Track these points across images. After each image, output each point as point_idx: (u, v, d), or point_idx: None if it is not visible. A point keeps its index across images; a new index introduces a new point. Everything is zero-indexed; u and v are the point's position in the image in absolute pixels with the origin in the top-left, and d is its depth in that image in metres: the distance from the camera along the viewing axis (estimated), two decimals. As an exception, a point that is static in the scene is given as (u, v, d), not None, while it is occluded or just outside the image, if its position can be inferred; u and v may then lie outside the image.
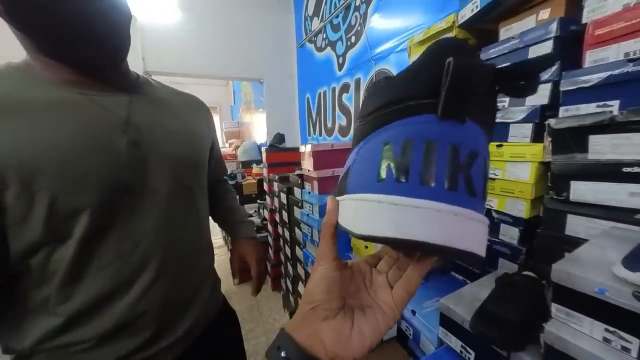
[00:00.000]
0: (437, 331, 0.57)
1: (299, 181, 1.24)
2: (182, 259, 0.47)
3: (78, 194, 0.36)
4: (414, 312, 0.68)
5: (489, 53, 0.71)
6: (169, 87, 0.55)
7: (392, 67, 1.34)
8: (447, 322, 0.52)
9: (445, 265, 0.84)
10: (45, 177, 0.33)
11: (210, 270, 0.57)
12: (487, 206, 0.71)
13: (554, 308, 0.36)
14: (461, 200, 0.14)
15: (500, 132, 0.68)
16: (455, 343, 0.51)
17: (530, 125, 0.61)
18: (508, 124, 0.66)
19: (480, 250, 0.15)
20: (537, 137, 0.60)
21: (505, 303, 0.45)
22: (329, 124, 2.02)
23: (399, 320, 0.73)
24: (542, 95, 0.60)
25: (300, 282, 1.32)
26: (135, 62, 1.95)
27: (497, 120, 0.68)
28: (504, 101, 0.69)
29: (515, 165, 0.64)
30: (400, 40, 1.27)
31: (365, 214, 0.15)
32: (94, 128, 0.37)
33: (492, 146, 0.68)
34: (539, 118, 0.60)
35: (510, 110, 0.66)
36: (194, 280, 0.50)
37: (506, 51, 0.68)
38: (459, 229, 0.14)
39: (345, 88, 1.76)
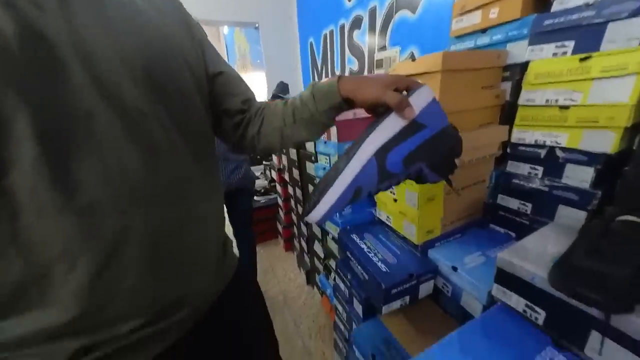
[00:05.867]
0: (485, 287, 0.52)
1: (311, 132, 1.08)
2: (159, 230, 0.32)
3: None
4: (454, 268, 0.60)
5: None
6: None
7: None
8: (506, 278, 0.47)
9: (483, 217, 0.74)
10: None
11: (216, 237, 0.42)
12: (552, 143, 0.57)
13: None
14: None
15: (588, 40, 0.51)
16: (516, 302, 0.46)
17: (644, 21, 0.44)
18: (604, 23, 0.48)
19: None
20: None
21: (605, 257, 0.36)
22: (338, 71, 1.79)
23: (435, 278, 0.66)
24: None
25: (316, 241, 1.26)
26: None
27: (583, 23, 0.50)
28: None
29: (609, 82, 0.48)
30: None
31: None
32: None
33: (574, 60, 0.51)
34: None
35: (609, 2, 0.47)
36: (186, 259, 0.35)
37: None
38: None
39: (356, 23, 1.49)
